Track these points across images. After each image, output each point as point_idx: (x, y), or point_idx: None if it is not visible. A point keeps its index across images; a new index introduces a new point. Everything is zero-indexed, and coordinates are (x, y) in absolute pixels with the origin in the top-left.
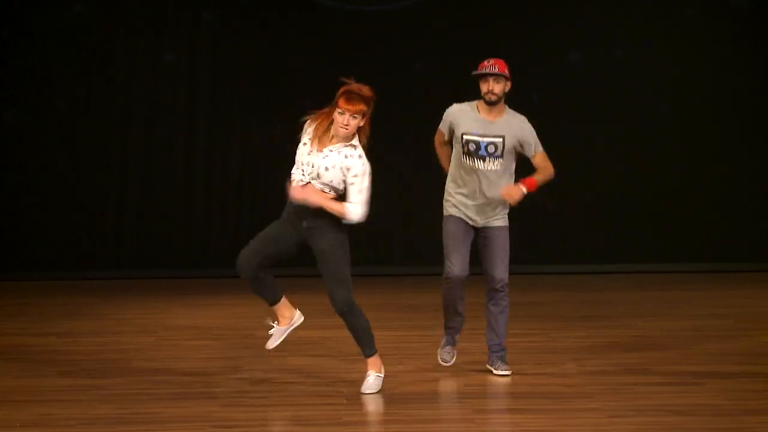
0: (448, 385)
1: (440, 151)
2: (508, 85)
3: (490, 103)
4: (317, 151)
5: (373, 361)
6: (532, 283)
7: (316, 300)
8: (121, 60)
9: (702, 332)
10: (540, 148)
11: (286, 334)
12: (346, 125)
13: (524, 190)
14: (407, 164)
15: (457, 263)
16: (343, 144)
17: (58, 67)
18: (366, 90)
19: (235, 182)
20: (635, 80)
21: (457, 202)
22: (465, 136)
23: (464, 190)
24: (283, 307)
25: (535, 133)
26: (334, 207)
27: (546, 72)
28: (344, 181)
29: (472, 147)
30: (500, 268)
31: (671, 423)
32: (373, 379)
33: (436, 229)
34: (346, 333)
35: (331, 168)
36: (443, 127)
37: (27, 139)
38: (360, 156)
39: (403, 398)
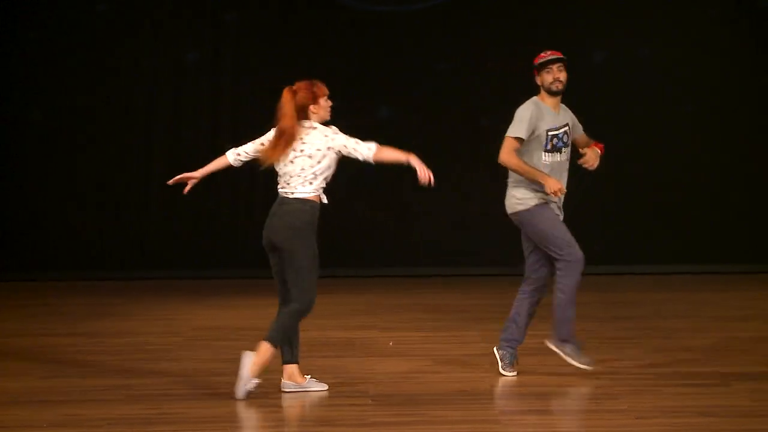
0: (474, 386)
1: (517, 161)
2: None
3: (557, 93)
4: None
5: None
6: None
7: (343, 300)
8: (145, 60)
9: (729, 333)
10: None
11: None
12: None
13: (599, 151)
14: (437, 162)
15: (576, 244)
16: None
17: (81, 66)
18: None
19: (261, 182)
20: (660, 80)
21: (535, 193)
22: (550, 133)
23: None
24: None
25: None
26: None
27: (570, 71)
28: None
29: (555, 141)
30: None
31: (698, 424)
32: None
33: (459, 230)
34: (372, 334)
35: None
36: (526, 131)
37: (54, 138)
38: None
39: (429, 399)
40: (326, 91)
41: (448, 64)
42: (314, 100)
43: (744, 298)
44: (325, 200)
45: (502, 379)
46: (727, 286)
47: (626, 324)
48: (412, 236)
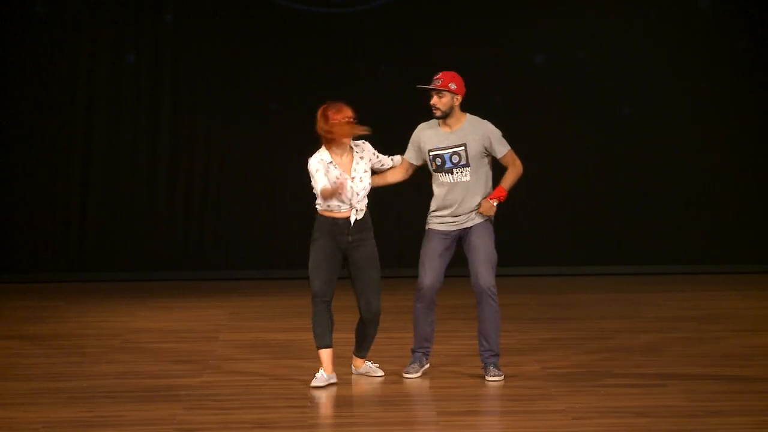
0: (412, 388)
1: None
2: (457, 98)
3: (437, 117)
4: (351, 180)
5: (363, 361)
6: (498, 285)
7: (281, 303)
8: (83, 61)
9: (666, 334)
10: (506, 147)
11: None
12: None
13: (494, 203)
14: None
15: (428, 275)
16: (349, 153)
17: (20, 68)
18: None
19: (199, 184)
20: (597, 82)
21: (435, 217)
22: (431, 153)
23: (444, 212)
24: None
25: (499, 134)
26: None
27: (509, 74)
28: (371, 167)
29: (438, 162)
30: (483, 273)
31: (635, 425)
32: (373, 366)
33: (403, 231)
34: (310, 336)
35: (368, 178)
36: (408, 152)
37: None
38: (356, 143)
39: (368, 401)
40: (335, 114)
41: (391, 65)
42: (325, 121)
43: (682, 299)
44: (332, 215)
45: (439, 381)
46: (666, 287)
47: (565, 325)
48: None
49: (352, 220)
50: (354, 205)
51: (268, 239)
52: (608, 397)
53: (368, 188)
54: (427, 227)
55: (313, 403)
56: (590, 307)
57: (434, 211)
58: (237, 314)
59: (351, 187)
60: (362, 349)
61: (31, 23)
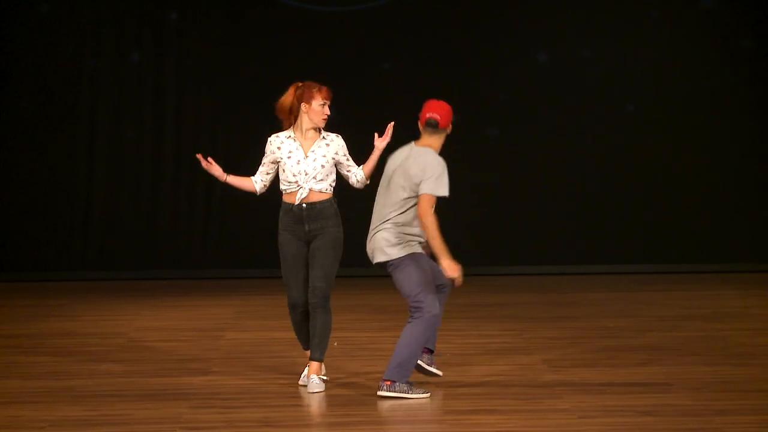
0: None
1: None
2: None
3: None
4: (304, 157)
5: (318, 366)
6: (502, 284)
7: (286, 301)
8: (88, 60)
9: (670, 333)
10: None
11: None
12: (328, 114)
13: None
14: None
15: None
16: (316, 136)
17: (23, 67)
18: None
19: (203, 182)
20: (602, 80)
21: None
22: None
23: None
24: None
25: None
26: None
27: (512, 72)
28: (336, 162)
29: None
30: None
31: (640, 423)
32: (318, 381)
33: None
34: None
35: (325, 162)
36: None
37: None
38: (334, 136)
39: (374, 399)
40: (323, 96)
41: (394, 64)
42: (308, 100)
43: (686, 297)
44: (289, 200)
45: (445, 380)
46: (670, 285)
47: (569, 324)
48: (357, 238)
49: (299, 199)
50: (301, 184)
51: (273, 237)
52: (613, 396)
53: (324, 173)
54: (410, 251)
55: (321, 401)
56: (594, 305)
57: (416, 234)
58: (242, 313)
59: (298, 162)
60: (315, 347)
61: (35, 21)
